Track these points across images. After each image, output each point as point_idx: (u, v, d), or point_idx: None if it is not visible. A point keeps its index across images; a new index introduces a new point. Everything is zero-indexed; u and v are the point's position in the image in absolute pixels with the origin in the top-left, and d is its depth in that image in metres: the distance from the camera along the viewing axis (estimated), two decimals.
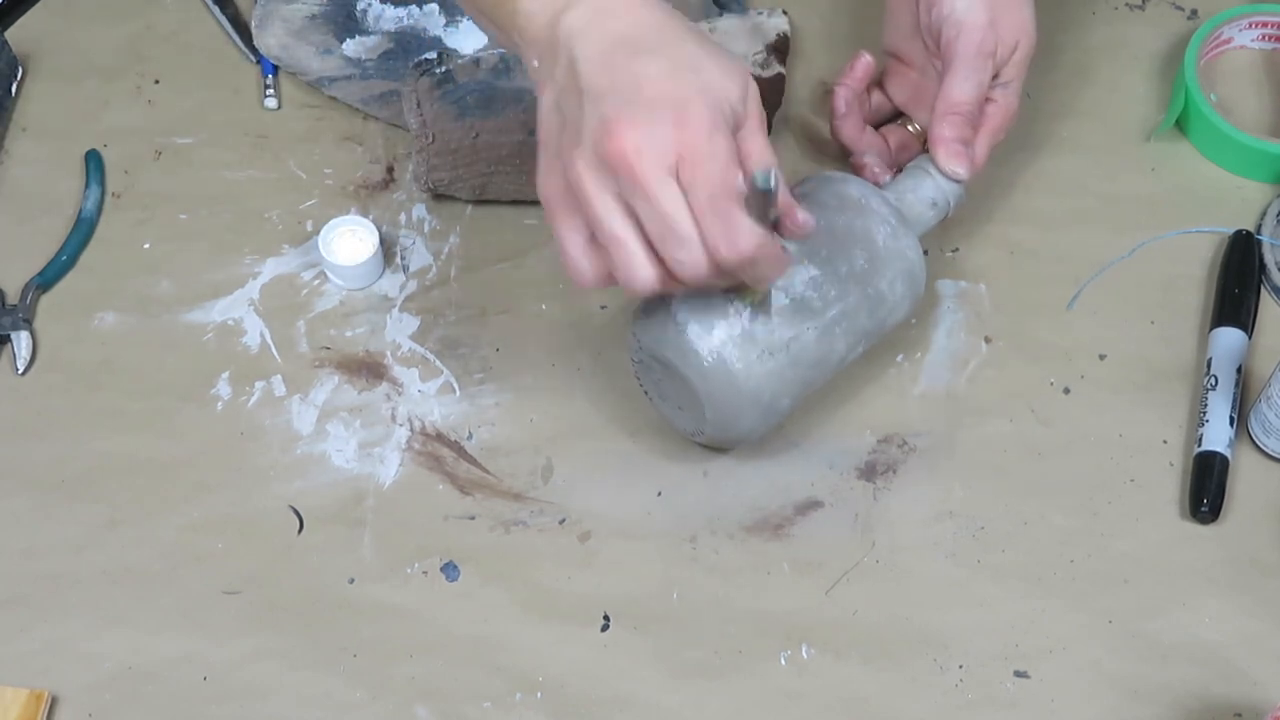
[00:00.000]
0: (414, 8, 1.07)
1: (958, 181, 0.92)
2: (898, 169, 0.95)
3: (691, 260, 0.76)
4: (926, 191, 0.92)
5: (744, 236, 0.75)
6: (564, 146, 0.77)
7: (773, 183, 0.74)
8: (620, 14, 0.78)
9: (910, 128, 0.99)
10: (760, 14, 1.05)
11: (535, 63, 0.80)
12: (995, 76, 0.93)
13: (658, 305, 0.85)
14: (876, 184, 0.93)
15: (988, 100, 0.93)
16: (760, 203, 0.76)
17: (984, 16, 0.91)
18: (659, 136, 0.74)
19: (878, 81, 0.99)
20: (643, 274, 0.77)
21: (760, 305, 0.83)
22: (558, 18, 0.78)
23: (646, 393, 0.91)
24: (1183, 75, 1.02)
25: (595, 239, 0.78)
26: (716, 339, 0.83)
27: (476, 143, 0.99)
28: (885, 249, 0.88)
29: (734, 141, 0.77)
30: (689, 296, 0.83)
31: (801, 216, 0.80)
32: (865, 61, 0.97)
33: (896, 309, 0.89)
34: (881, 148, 0.98)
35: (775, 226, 0.79)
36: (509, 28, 0.81)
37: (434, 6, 1.07)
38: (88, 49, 1.09)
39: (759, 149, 0.78)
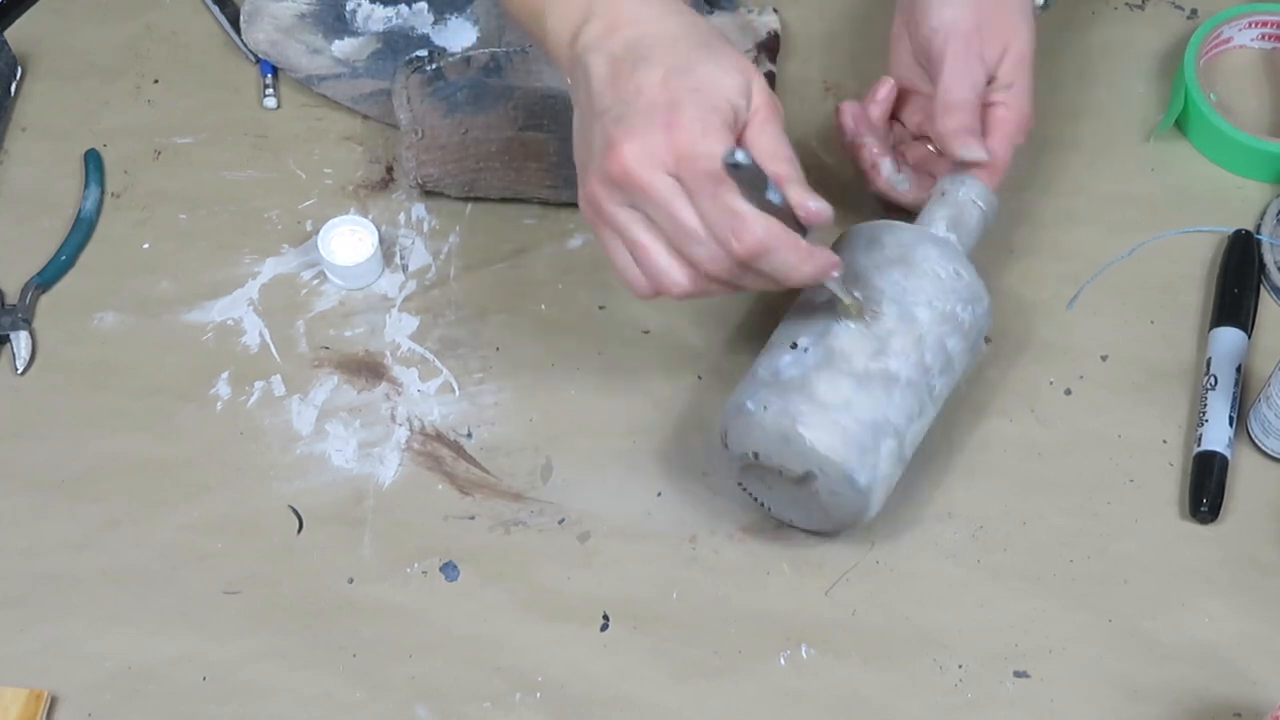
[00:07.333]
0: (403, 7, 1.07)
1: (977, 163, 0.91)
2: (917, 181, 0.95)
3: (709, 255, 0.77)
4: (970, 211, 0.91)
5: (748, 225, 0.76)
6: (586, 168, 0.79)
7: (740, 158, 0.73)
8: (625, 24, 0.79)
9: (930, 147, 0.98)
10: (751, 11, 1.05)
11: (568, 81, 0.81)
12: (992, 81, 0.92)
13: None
14: (892, 186, 0.94)
15: (995, 104, 0.92)
16: (748, 183, 0.75)
17: (969, 24, 0.91)
18: (652, 143, 0.76)
19: (892, 113, 0.98)
20: (674, 276, 0.79)
21: (858, 316, 0.84)
22: (575, 36, 0.80)
23: (735, 460, 0.87)
24: (1182, 75, 1.02)
25: None
26: (877, 500, 0.85)
27: (465, 139, 0.99)
28: (973, 331, 0.89)
29: (730, 136, 0.77)
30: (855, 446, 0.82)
31: (814, 205, 0.79)
32: (889, 85, 0.96)
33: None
34: (895, 156, 0.96)
35: (796, 222, 0.79)
36: (544, 49, 0.83)
37: (423, 5, 1.07)
38: (88, 49, 1.09)
39: (768, 141, 0.79)
